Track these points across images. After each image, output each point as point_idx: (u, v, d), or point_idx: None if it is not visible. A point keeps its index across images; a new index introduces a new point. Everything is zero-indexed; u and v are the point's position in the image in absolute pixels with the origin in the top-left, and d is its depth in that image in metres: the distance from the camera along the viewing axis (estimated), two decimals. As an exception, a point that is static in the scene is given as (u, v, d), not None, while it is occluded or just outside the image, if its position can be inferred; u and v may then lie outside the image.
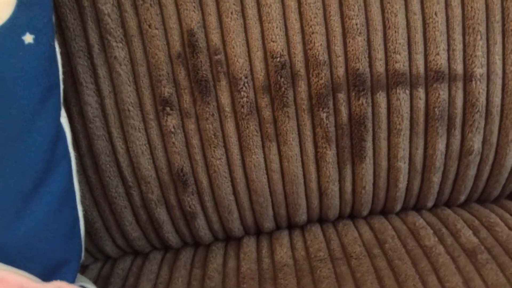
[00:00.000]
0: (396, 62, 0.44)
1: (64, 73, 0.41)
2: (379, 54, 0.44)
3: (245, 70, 0.43)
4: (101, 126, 0.45)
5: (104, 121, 0.45)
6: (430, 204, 0.54)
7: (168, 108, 0.44)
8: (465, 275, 0.43)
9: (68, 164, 0.42)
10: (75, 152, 0.43)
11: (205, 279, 0.47)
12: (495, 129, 0.47)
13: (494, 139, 0.48)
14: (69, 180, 0.42)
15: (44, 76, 0.38)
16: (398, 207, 0.53)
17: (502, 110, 0.47)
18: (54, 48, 0.40)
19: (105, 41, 0.42)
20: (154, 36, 0.42)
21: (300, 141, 0.46)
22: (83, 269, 0.52)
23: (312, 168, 0.47)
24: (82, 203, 0.44)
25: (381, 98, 0.45)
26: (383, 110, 0.45)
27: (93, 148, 0.45)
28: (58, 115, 0.41)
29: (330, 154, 0.47)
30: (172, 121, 0.44)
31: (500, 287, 0.41)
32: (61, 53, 0.40)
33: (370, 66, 0.44)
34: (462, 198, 0.53)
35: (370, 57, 0.44)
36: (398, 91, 0.45)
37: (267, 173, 0.47)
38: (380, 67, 0.44)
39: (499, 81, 0.45)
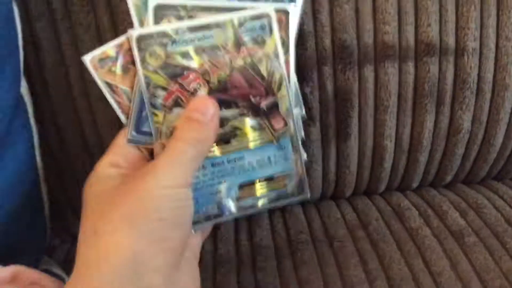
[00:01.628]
0: (385, 33, 0.41)
1: (24, 38, 0.38)
2: (368, 25, 0.41)
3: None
4: (66, 97, 0.41)
5: (69, 91, 0.41)
6: (415, 184, 0.52)
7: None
8: (452, 258, 0.42)
9: (29, 137, 0.39)
10: (37, 124, 0.40)
11: (180, 262, 0.45)
12: (486, 106, 0.45)
13: (484, 117, 0.46)
14: (30, 154, 0.38)
15: (0, 41, 0.34)
16: (382, 187, 0.51)
17: (493, 87, 0.44)
18: (12, 10, 0.36)
19: (69, 4, 0.39)
20: (122, 0, 0.38)
21: (282, 117, 0.43)
22: (49, 251, 0.49)
23: (294, 146, 0.45)
24: (46, 180, 0.41)
25: (369, 72, 0.42)
26: (370, 85, 0.43)
27: (57, 121, 0.42)
28: (18, 85, 0.37)
29: (314, 132, 0.44)
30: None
31: (488, 271, 0.40)
32: (20, 17, 0.37)
33: (358, 37, 0.41)
34: (448, 178, 0.51)
35: (358, 27, 0.41)
36: (386, 65, 0.42)
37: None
38: (368, 38, 0.41)
39: (492, 56, 0.43)
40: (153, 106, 0.33)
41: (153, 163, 0.30)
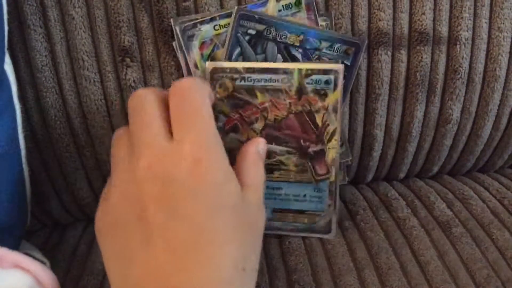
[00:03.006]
0: (379, 20, 0.41)
1: (9, 13, 0.36)
2: (363, 11, 0.40)
3: (216, 20, 0.39)
4: (51, 76, 0.40)
5: (54, 71, 0.40)
6: (402, 174, 0.52)
7: (128, 59, 0.39)
8: (440, 248, 0.41)
9: (12, 116, 0.37)
10: (20, 104, 0.38)
11: (165, 248, 0.44)
12: (476, 97, 0.45)
13: (473, 108, 0.46)
14: (13, 134, 0.37)
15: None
16: (370, 177, 0.51)
17: (484, 78, 0.44)
18: (-4, -18, 0.34)
19: (56, -22, 0.37)
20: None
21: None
22: (29, 235, 0.47)
23: (283, 132, 0.44)
24: (29, 162, 0.39)
25: (362, 59, 0.42)
26: (362, 73, 0.42)
27: (41, 101, 0.40)
28: (1, 61, 0.36)
29: (304, 118, 0.44)
30: (132, 74, 0.40)
31: (475, 261, 0.40)
32: (5, -10, 0.35)
33: (352, 23, 0.41)
34: (435, 169, 0.51)
35: (352, 13, 0.40)
36: (380, 52, 0.42)
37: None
38: (362, 24, 0.41)
39: (483, 47, 0.43)
40: None
41: None
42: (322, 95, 0.37)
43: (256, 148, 0.35)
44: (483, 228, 0.43)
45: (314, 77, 0.37)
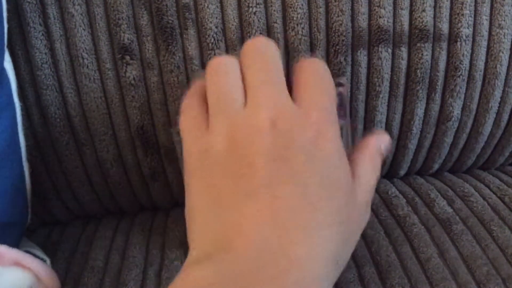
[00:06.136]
0: (380, 17, 0.41)
1: (8, 11, 0.36)
2: (363, 8, 0.40)
3: (216, 18, 0.39)
4: (51, 74, 0.40)
5: (54, 68, 0.39)
6: (402, 172, 0.51)
7: (127, 57, 0.39)
8: (440, 246, 0.41)
9: (12, 115, 0.37)
10: (20, 102, 0.38)
11: (165, 246, 0.44)
12: (476, 95, 0.45)
13: (474, 105, 0.46)
14: (13, 133, 0.37)
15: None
16: (370, 174, 0.51)
17: (484, 75, 0.44)
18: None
19: (56, -25, 0.37)
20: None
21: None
22: (29, 233, 0.47)
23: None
24: (29, 160, 0.40)
25: (362, 56, 0.42)
26: (363, 70, 0.42)
27: (41, 99, 0.40)
28: (1, 59, 0.36)
29: (304, 116, 0.44)
30: (132, 72, 0.40)
31: (476, 259, 0.40)
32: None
33: (353, 20, 0.41)
34: (436, 166, 0.51)
35: (353, 10, 0.40)
36: (380, 49, 0.41)
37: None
38: (363, 22, 0.41)
39: (484, 44, 0.43)
40: None
41: None
42: None
43: (378, 143, 0.33)
44: (483, 226, 0.43)
45: None
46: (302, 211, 0.27)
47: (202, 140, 0.30)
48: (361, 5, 0.40)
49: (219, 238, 0.27)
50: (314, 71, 0.31)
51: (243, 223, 0.26)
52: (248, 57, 0.31)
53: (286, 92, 0.30)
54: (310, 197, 0.27)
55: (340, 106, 0.33)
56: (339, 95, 0.33)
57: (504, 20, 0.42)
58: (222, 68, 0.31)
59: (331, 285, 0.28)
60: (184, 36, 0.39)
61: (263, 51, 0.31)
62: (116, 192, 0.46)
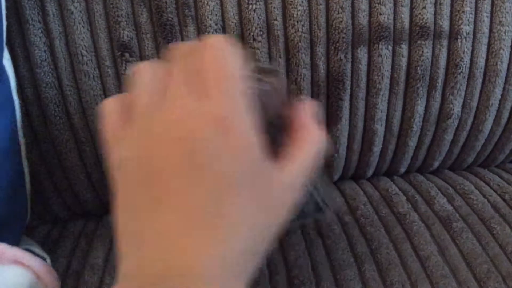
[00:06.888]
0: (380, 14, 0.40)
1: (7, 8, 0.36)
2: (363, 5, 0.40)
3: (216, 15, 0.39)
4: (50, 71, 0.39)
5: (53, 66, 0.39)
6: (402, 169, 0.51)
7: (127, 54, 0.39)
8: (440, 243, 0.41)
9: (11, 112, 0.37)
10: (20, 100, 0.38)
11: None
12: (477, 92, 0.45)
13: (474, 103, 0.46)
14: (12, 130, 0.37)
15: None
16: (370, 172, 0.51)
17: (485, 72, 0.44)
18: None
19: (55, -28, 0.37)
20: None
21: (272, 98, 0.42)
22: (29, 231, 0.47)
23: (284, 127, 0.44)
24: (28, 158, 0.39)
25: (362, 53, 0.42)
26: (363, 67, 0.42)
27: (40, 96, 0.40)
28: (0, 56, 0.36)
29: (304, 113, 0.43)
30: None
31: (476, 256, 0.40)
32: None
33: (353, 17, 0.41)
34: (436, 164, 0.51)
35: (353, 7, 0.40)
36: (380, 46, 0.41)
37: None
38: (363, 19, 0.41)
39: (485, 41, 0.43)
40: None
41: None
42: None
43: (311, 111, 0.30)
44: (483, 223, 0.43)
45: None
46: (210, 215, 0.26)
47: (117, 147, 0.30)
48: (362, 2, 0.40)
49: (134, 245, 0.27)
50: (213, 55, 0.28)
51: (152, 234, 0.26)
52: (173, 60, 0.30)
53: (196, 94, 0.28)
54: (218, 200, 0.27)
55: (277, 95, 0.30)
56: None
57: (504, 17, 0.42)
58: (142, 74, 0.30)
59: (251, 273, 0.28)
60: (184, 33, 0.39)
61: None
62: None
